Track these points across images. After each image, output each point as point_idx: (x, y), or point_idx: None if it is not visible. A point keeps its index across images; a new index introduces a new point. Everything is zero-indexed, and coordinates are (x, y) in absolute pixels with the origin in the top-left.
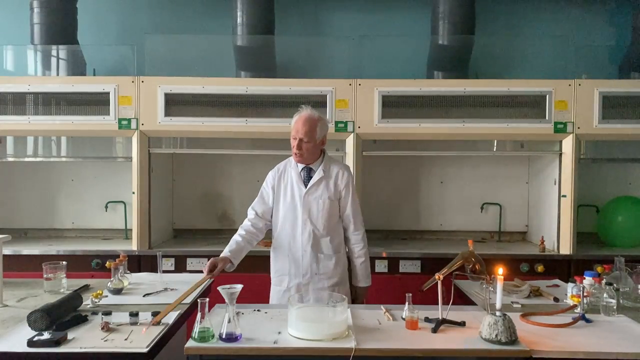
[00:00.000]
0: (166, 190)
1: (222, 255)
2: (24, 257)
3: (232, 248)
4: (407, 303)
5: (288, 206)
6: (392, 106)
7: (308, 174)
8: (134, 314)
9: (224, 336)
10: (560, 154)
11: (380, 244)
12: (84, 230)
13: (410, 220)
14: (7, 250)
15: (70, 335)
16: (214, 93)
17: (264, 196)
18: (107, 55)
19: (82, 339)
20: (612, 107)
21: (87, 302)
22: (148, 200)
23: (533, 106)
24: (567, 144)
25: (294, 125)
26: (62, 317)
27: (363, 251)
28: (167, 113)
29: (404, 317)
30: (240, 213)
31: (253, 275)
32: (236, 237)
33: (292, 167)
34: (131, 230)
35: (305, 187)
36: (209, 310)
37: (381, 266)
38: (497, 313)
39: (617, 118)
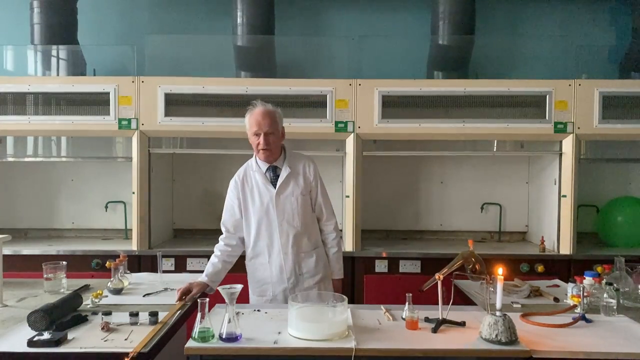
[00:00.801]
0: (166, 190)
1: (199, 279)
2: (24, 257)
3: (209, 271)
4: (407, 303)
5: (259, 211)
6: (392, 106)
7: (274, 173)
8: (134, 314)
9: (224, 336)
10: (560, 154)
11: (380, 244)
12: (84, 230)
13: (410, 220)
14: (7, 250)
15: (70, 335)
16: (214, 93)
17: (228, 209)
18: (107, 55)
19: (82, 339)
20: (612, 107)
21: (87, 302)
22: (148, 200)
23: (533, 106)
24: (567, 144)
25: (252, 121)
26: (62, 317)
27: (336, 241)
28: (167, 113)
29: (404, 317)
30: None
31: None
32: (212, 259)
33: (254, 171)
34: (131, 230)
35: (275, 187)
36: (209, 310)
37: (381, 266)
38: (497, 313)
39: (617, 118)
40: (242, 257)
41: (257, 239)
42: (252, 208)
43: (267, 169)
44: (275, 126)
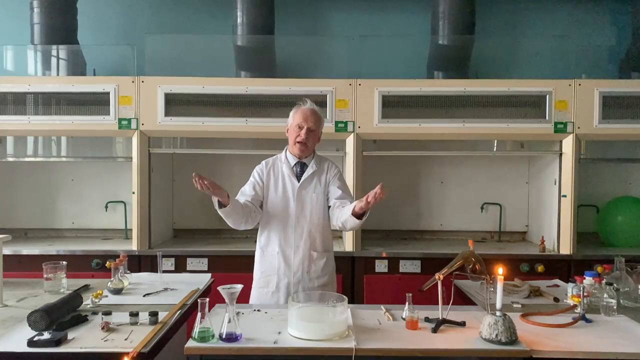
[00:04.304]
0: (166, 190)
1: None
2: (24, 257)
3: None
4: (407, 303)
5: (280, 201)
6: (392, 106)
7: (301, 169)
8: (134, 314)
9: (224, 336)
10: (560, 154)
11: (380, 244)
12: (84, 230)
13: (410, 220)
14: (7, 250)
15: (70, 335)
16: (214, 93)
17: (250, 184)
18: (107, 55)
19: (82, 339)
20: (612, 107)
21: (87, 302)
22: (148, 200)
23: (533, 106)
24: (567, 144)
25: (299, 114)
26: (62, 317)
27: None
28: (167, 113)
29: (404, 317)
30: None
31: (249, 275)
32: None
33: (282, 162)
34: (131, 230)
35: (298, 181)
36: (209, 310)
37: (381, 266)
38: (497, 313)
39: (617, 118)
40: (253, 246)
41: (272, 228)
42: (274, 197)
43: (295, 163)
44: (318, 126)
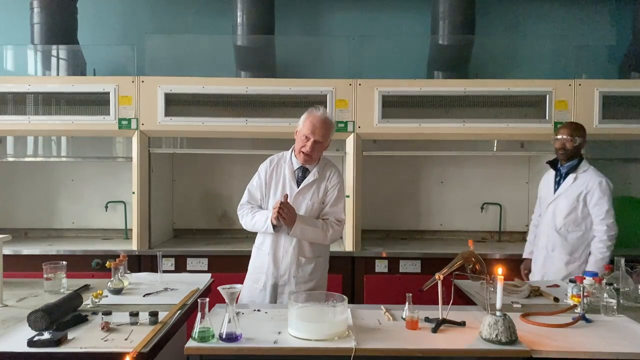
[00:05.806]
0: (166, 190)
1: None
2: (24, 257)
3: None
4: (407, 303)
5: None
6: (392, 106)
7: (303, 174)
8: (134, 314)
9: (224, 336)
10: None
11: (380, 244)
12: (84, 230)
13: (410, 220)
14: (7, 250)
15: (70, 335)
16: (214, 93)
17: (257, 188)
18: (107, 55)
19: (82, 339)
20: (612, 107)
21: (87, 302)
22: (148, 200)
23: (533, 106)
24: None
25: (308, 124)
26: (62, 317)
27: (332, 224)
28: (167, 113)
29: (404, 317)
30: None
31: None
32: (253, 212)
33: (286, 164)
34: (131, 230)
35: (297, 187)
36: (209, 310)
37: (381, 266)
38: (497, 313)
39: (617, 118)
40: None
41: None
42: (273, 199)
43: (298, 167)
44: (326, 137)
